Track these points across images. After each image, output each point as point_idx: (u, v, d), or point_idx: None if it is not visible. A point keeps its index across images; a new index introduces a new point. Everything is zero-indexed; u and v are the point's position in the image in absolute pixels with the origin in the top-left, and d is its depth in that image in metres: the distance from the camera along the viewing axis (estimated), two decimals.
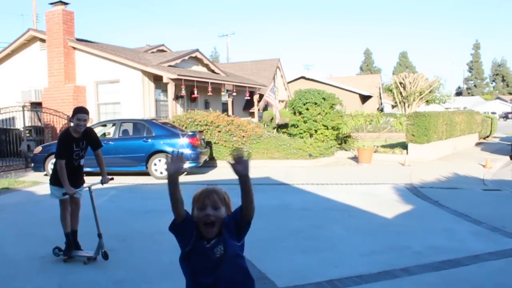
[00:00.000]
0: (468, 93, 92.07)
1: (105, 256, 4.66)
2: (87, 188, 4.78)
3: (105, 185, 5.02)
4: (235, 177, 1.91)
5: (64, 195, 4.63)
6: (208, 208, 1.92)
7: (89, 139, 4.87)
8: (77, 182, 4.81)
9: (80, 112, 4.64)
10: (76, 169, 4.81)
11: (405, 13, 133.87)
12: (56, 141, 5.06)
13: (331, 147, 14.24)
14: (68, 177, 4.57)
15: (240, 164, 1.91)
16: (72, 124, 4.72)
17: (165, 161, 10.60)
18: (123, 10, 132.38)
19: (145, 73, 15.22)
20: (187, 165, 10.75)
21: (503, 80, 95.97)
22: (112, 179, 4.97)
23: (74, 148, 4.71)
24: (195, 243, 1.94)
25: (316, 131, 14.31)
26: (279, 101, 22.48)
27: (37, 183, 10.35)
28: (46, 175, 11.25)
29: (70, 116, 4.85)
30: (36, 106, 15.67)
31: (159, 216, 6.45)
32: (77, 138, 4.72)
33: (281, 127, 17.41)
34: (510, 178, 10.72)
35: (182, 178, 10.08)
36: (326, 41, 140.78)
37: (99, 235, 4.66)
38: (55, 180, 4.71)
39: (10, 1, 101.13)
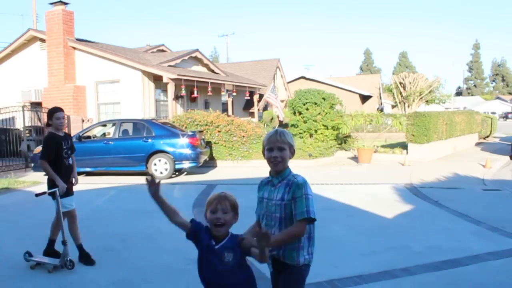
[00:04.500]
0: (468, 93, 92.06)
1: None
2: None
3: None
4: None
5: None
6: (219, 212, 2.18)
7: None
8: None
9: None
10: None
11: (405, 13, 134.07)
12: None
13: (331, 147, 14.23)
14: None
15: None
16: None
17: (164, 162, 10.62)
18: (123, 10, 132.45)
19: (145, 73, 15.23)
20: (187, 165, 10.77)
21: (503, 80, 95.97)
22: None
23: None
24: (207, 243, 2.19)
25: (316, 131, 14.30)
26: (280, 100, 22.46)
27: (37, 183, 10.34)
28: (45, 175, 11.24)
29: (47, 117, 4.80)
30: (36, 106, 15.67)
31: (158, 216, 6.33)
32: None
33: (281, 127, 17.40)
34: (510, 178, 10.72)
35: (182, 178, 10.02)
36: (326, 41, 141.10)
37: None
38: None
39: (10, 1, 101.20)
